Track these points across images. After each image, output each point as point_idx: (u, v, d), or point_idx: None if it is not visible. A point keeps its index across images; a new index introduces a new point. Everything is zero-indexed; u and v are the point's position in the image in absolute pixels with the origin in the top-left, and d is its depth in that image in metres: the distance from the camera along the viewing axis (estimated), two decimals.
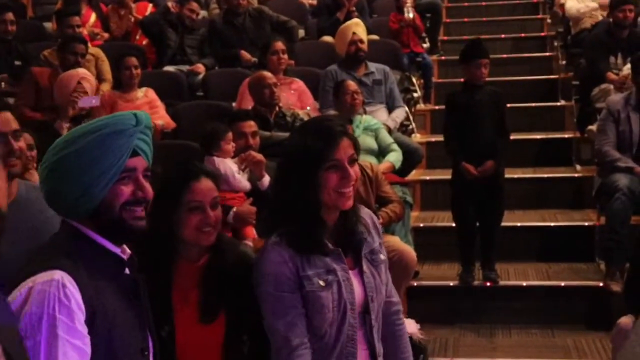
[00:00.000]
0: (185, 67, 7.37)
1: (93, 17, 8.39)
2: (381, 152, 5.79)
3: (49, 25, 8.53)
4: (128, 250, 2.08)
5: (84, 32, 7.45)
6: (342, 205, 2.42)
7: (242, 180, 4.60)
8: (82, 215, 1.98)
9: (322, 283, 2.40)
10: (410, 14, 8.05)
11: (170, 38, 7.50)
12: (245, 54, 7.32)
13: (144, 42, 7.91)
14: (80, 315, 1.82)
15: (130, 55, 6.30)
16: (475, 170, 5.42)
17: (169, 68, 7.34)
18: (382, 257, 2.58)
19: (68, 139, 1.98)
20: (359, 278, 2.50)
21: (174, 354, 2.54)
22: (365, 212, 2.62)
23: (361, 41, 6.57)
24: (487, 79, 8.35)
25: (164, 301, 2.53)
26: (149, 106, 6.13)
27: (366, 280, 2.50)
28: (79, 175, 1.94)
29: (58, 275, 1.82)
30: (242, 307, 2.54)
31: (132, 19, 8.27)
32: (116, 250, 2.03)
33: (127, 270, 2.05)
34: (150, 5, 8.52)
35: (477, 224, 5.55)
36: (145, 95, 6.24)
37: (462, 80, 8.43)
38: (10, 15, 7.28)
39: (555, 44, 8.87)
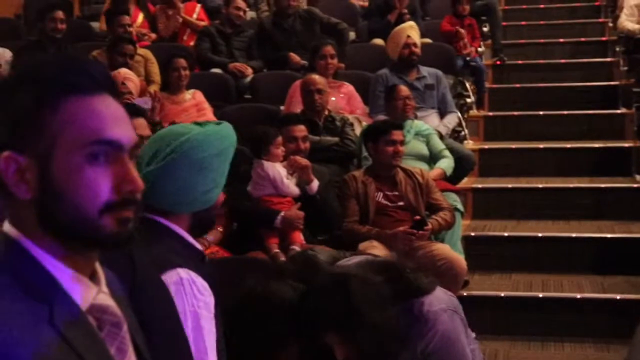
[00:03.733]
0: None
1: (140, 17, 8.33)
2: (432, 159, 5.68)
3: (96, 25, 8.51)
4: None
5: (132, 32, 7.42)
6: None
7: (290, 185, 4.62)
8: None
9: None
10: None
11: (219, 43, 7.40)
12: (294, 57, 7.21)
13: (191, 43, 7.86)
14: (212, 301, 1.94)
15: (179, 57, 6.24)
16: None
17: (216, 70, 7.26)
18: None
19: None
20: None
21: None
22: None
23: (415, 45, 6.45)
24: (544, 84, 8.27)
25: None
26: (196, 108, 6.08)
27: None
28: None
29: (184, 273, 1.88)
30: None
31: (180, 20, 8.20)
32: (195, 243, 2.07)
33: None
34: (199, 5, 8.46)
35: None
36: (193, 97, 6.17)
37: (517, 85, 8.52)
38: (60, 14, 7.27)
39: (617, 49, 8.60)
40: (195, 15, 8.26)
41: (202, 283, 1.88)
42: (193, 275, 1.87)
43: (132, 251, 1.51)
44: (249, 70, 7.16)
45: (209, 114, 6.15)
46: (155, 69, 6.76)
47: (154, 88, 6.55)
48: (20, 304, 1.17)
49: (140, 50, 6.82)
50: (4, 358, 1.11)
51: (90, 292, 1.26)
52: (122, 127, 1.26)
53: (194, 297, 1.85)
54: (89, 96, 1.24)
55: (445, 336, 2.28)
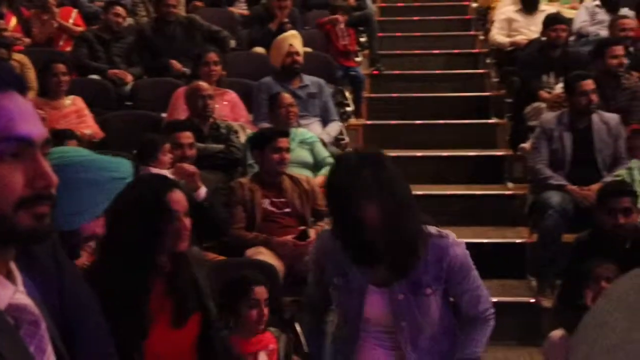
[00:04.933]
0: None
1: (13, 21, 8.05)
2: (316, 166, 5.73)
3: None
4: None
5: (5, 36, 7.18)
6: None
7: None
8: None
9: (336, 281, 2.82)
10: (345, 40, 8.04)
11: (98, 49, 7.28)
12: (176, 64, 7.15)
13: (68, 49, 7.68)
14: None
15: (58, 62, 6.13)
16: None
17: (95, 77, 7.13)
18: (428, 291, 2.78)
19: None
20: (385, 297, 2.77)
21: None
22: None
23: (297, 53, 6.52)
24: (420, 94, 8.48)
25: (144, 312, 2.61)
26: (76, 115, 5.98)
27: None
28: None
29: None
30: (209, 305, 2.74)
31: (56, 25, 7.99)
32: None
33: None
34: (75, 10, 8.27)
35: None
36: (73, 103, 6.07)
37: (394, 95, 8.68)
38: None
39: (488, 60, 8.90)
40: (71, 21, 8.08)
41: None
42: None
43: (58, 255, 1.48)
44: (129, 77, 7.07)
45: (89, 120, 6.05)
46: (31, 75, 6.58)
47: (31, 94, 6.38)
48: None
49: (16, 56, 6.64)
50: None
51: (7, 292, 1.25)
52: (31, 123, 1.26)
53: None
54: None
55: (463, 255, 2.77)
